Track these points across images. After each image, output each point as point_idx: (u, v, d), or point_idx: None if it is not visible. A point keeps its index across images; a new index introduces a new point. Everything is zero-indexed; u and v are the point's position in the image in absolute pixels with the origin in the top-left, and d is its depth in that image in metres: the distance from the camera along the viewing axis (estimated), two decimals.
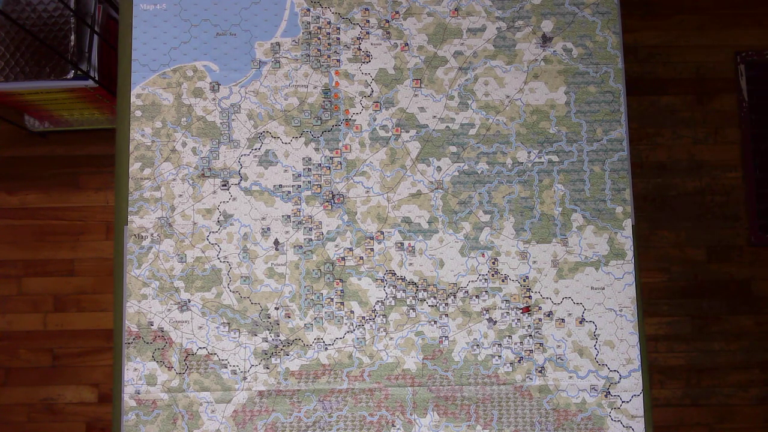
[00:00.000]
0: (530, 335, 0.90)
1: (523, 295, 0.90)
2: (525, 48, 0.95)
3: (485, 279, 0.91)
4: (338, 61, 0.95)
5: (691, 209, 1.86)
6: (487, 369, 0.89)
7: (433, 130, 0.94)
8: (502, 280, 0.91)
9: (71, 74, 1.36)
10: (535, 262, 0.91)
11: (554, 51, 0.95)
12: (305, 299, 0.90)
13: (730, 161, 1.88)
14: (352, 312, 0.90)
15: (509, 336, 0.89)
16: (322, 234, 0.91)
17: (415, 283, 0.90)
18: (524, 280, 0.91)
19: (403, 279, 0.90)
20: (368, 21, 0.96)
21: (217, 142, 0.93)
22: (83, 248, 1.75)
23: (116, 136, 0.94)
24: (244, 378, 0.88)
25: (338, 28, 0.96)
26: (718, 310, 1.84)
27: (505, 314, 0.90)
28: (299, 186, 0.92)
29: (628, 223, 0.92)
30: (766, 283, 1.84)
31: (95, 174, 1.77)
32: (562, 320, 0.90)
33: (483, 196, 0.92)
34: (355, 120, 0.94)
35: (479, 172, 0.93)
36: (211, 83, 0.94)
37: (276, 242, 0.91)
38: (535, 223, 0.92)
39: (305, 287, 0.90)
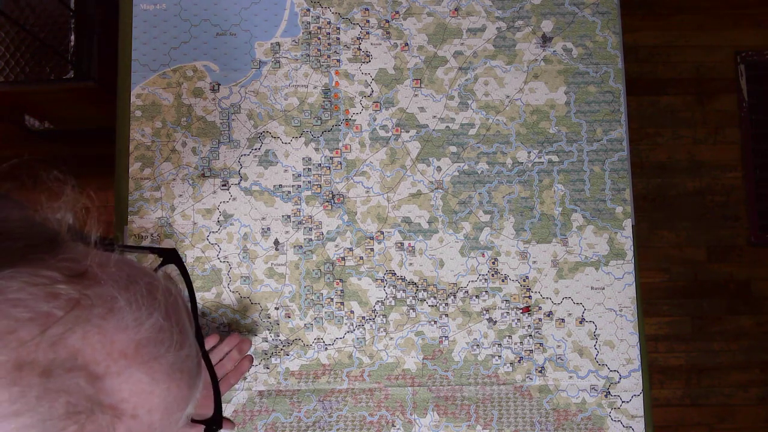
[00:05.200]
0: (530, 335, 0.90)
1: (523, 295, 0.90)
2: (525, 48, 0.95)
3: (485, 279, 0.91)
4: (338, 61, 0.95)
5: (691, 209, 1.86)
6: (487, 369, 0.89)
7: (433, 130, 0.94)
8: (502, 280, 0.91)
9: (71, 74, 1.36)
10: (535, 262, 0.91)
11: (554, 51, 0.95)
12: (305, 299, 0.90)
13: (730, 161, 1.88)
14: (352, 312, 0.90)
15: (509, 336, 0.89)
16: (322, 234, 0.91)
17: (415, 283, 0.90)
18: (524, 280, 0.91)
19: (403, 279, 0.90)
20: (368, 21, 0.96)
21: (217, 142, 0.93)
22: None
23: (116, 136, 0.94)
24: (244, 378, 0.88)
25: (338, 28, 0.96)
26: (718, 310, 1.84)
27: (505, 314, 0.90)
28: (299, 186, 0.92)
29: (628, 223, 0.92)
30: (766, 283, 1.84)
31: (95, 174, 1.77)
32: (562, 320, 0.90)
33: (483, 196, 0.92)
34: (355, 120, 0.94)
35: (479, 172, 0.93)
36: (211, 83, 0.94)
37: (276, 242, 0.91)
38: (535, 223, 0.92)
39: (305, 287, 0.90)
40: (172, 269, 0.46)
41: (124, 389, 0.33)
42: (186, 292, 0.44)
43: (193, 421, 0.46)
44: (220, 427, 0.48)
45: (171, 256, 0.46)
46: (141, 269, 0.38)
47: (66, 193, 0.38)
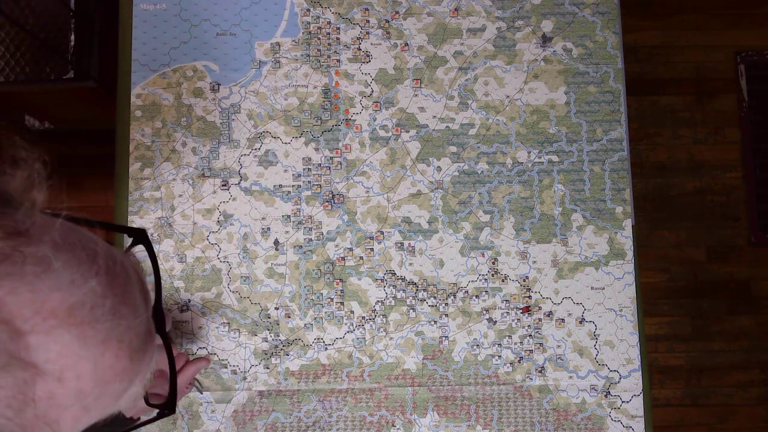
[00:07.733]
0: (530, 335, 0.90)
1: (523, 295, 0.90)
2: (525, 48, 0.95)
3: (485, 279, 0.91)
4: (338, 61, 0.95)
5: (691, 209, 1.86)
6: (487, 369, 0.89)
7: (433, 130, 0.94)
8: (502, 280, 0.91)
9: (71, 74, 1.36)
10: (535, 262, 0.91)
11: (554, 51, 0.95)
12: (305, 299, 0.90)
13: (730, 161, 1.88)
14: (352, 312, 0.90)
15: (509, 336, 0.89)
16: (322, 234, 0.91)
17: (415, 283, 0.90)
18: (524, 280, 0.91)
19: (403, 279, 0.90)
20: (368, 21, 0.96)
21: (217, 142, 0.93)
22: None
23: (116, 136, 0.94)
24: (244, 378, 0.88)
25: (338, 28, 0.96)
26: (718, 310, 1.84)
27: (505, 314, 0.90)
28: (299, 186, 0.92)
29: (628, 223, 0.92)
30: (766, 283, 1.84)
31: (95, 174, 1.77)
32: (562, 320, 0.90)
33: (483, 196, 0.92)
34: (355, 120, 0.94)
35: (479, 172, 0.93)
36: (211, 83, 0.94)
37: (276, 242, 0.91)
38: (535, 223, 0.92)
39: (305, 287, 0.90)
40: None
41: (52, 349, 0.32)
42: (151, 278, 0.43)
43: (148, 404, 0.46)
44: (173, 412, 0.48)
45: (140, 237, 0.46)
46: (86, 236, 0.38)
47: (24, 159, 0.38)
